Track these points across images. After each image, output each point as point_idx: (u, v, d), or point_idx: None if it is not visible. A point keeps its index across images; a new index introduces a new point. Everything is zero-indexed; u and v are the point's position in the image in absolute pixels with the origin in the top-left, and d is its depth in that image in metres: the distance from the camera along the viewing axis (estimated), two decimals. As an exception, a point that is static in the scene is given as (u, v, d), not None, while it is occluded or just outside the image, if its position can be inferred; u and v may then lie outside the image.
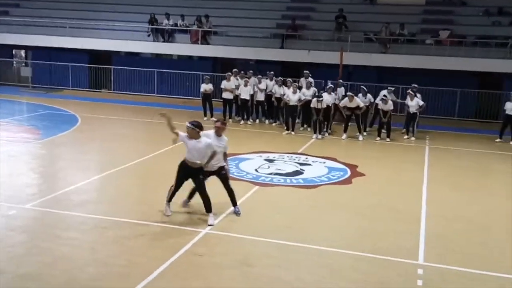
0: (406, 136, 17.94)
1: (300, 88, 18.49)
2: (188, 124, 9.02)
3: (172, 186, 9.38)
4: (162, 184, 11.38)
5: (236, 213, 9.64)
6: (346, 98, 17.47)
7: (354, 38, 23.36)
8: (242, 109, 19.68)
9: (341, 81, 19.59)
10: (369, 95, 18.26)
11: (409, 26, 23.69)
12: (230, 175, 10.50)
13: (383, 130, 17.62)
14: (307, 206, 10.48)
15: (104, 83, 27.06)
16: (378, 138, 17.63)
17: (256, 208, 10.20)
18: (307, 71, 19.77)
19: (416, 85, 18.62)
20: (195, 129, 9.02)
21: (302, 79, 19.66)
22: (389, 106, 17.38)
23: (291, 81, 18.82)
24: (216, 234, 8.81)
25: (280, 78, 19.36)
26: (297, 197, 11.10)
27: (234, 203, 9.69)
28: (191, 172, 9.04)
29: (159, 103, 24.41)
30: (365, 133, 18.09)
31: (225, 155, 9.54)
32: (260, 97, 19.39)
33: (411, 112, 17.76)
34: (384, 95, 17.64)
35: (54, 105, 22.05)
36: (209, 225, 9.05)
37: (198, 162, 9.02)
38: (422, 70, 22.38)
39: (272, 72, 19.93)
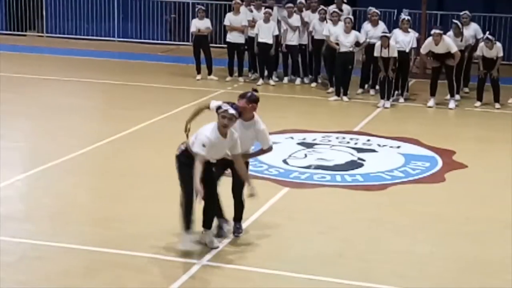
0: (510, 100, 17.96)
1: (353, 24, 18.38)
2: (232, 111, 8.81)
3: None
4: (129, 187, 11.47)
5: (235, 233, 9.71)
6: (430, 40, 17.40)
7: None
8: (261, 60, 19.67)
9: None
10: (472, 29, 18.13)
11: None
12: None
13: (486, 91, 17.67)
14: (369, 220, 10.47)
15: (31, 21, 27.17)
16: (478, 103, 17.65)
17: (285, 224, 10.22)
18: None
19: None
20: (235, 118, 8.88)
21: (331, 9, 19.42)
22: (496, 51, 17.29)
23: (338, 12, 18.70)
24: (219, 267, 8.86)
25: (322, 7, 19.28)
26: (353, 206, 11.09)
27: (237, 217, 9.77)
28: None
29: (122, 52, 24.50)
30: (457, 96, 18.01)
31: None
32: (291, 39, 19.39)
33: None
34: (487, 37, 17.49)
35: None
36: (212, 248, 9.21)
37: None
38: None
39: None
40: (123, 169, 12.43)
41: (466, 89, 18.71)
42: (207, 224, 9.33)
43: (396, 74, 17.46)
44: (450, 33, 17.93)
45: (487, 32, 17.95)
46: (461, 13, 18.50)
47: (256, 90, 9.48)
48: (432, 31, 17.46)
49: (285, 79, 19.80)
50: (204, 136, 8.77)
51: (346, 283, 8.51)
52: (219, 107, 8.87)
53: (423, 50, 17.65)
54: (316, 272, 8.73)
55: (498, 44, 17.38)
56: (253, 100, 9.29)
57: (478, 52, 17.52)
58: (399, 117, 16.82)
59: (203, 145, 8.70)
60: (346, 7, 19.60)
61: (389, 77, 17.27)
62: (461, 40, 17.85)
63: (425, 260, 9.24)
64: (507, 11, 22.69)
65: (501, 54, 17.35)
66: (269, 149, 9.59)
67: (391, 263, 9.09)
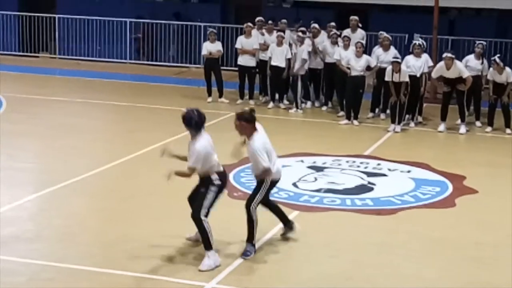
0: None
1: (364, 49, 18.44)
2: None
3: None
4: (139, 209, 11.50)
5: (243, 255, 9.78)
6: (441, 64, 17.41)
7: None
8: (274, 83, 19.68)
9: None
10: (485, 61, 18.16)
11: None
12: (246, 191, 10.52)
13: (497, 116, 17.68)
14: (379, 245, 10.48)
15: (43, 43, 27.35)
16: (489, 129, 17.68)
17: (294, 248, 10.24)
18: (356, 17, 19.69)
19: None
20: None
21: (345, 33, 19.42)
22: (506, 76, 17.30)
23: (349, 37, 18.78)
24: (229, 290, 8.89)
25: (334, 31, 19.32)
26: (363, 230, 11.12)
27: (247, 237, 9.90)
28: None
29: (135, 74, 24.60)
30: (478, 123, 18.03)
31: None
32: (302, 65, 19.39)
33: None
34: (494, 59, 17.48)
35: (-37, 79, 22.36)
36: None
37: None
38: None
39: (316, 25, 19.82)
40: (133, 190, 12.48)
41: (478, 123, 18.27)
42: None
43: (408, 99, 17.48)
44: (471, 56, 17.92)
45: (497, 55, 17.96)
46: (477, 44, 18.38)
47: (252, 110, 9.74)
48: (444, 55, 17.47)
49: (301, 106, 19.55)
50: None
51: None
52: None
53: (434, 74, 17.64)
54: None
55: (508, 70, 17.37)
56: (241, 118, 9.73)
57: (488, 77, 17.53)
58: (409, 141, 16.83)
59: None
60: (360, 31, 19.65)
61: (400, 102, 17.30)
62: (482, 63, 17.86)
63: (433, 285, 9.25)
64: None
65: (511, 79, 17.34)
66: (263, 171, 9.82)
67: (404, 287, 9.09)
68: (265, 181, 9.90)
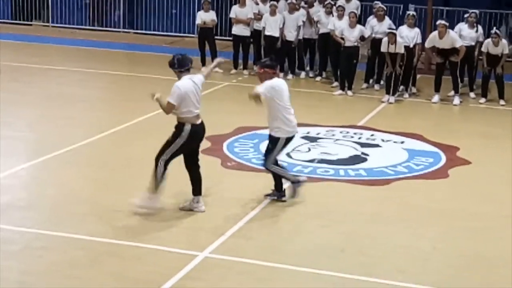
0: None
1: (358, 19, 18.36)
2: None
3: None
4: (133, 178, 11.50)
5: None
6: (435, 33, 17.38)
7: None
8: (268, 53, 19.60)
9: None
10: (480, 29, 18.14)
11: None
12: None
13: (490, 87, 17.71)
14: (372, 215, 10.52)
15: (36, 11, 27.21)
16: (483, 100, 17.69)
17: (288, 218, 10.28)
18: None
19: None
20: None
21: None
22: (501, 48, 17.25)
23: (343, 7, 18.70)
24: (221, 259, 8.89)
25: (329, 1, 19.24)
26: (356, 200, 11.14)
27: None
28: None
29: (128, 43, 24.53)
30: (472, 94, 18.04)
31: None
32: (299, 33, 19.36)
33: None
34: (496, 32, 17.46)
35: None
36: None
37: None
38: None
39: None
40: (127, 159, 12.49)
41: (472, 94, 18.23)
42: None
43: (402, 69, 17.45)
44: (464, 25, 17.90)
45: (495, 28, 17.89)
46: (469, 13, 18.21)
47: (272, 58, 10.23)
48: (438, 22, 17.41)
49: (291, 75, 19.62)
50: None
51: (348, 277, 8.55)
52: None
53: (427, 44, 17.58)
54: (318, 266, 8.77)
55: (504, 41, 17.33)
56: (265, 66, 10.33)
57: (483, 49, 17.47)
58: (403, 112, 16.84)
59: None
60: (354, 2, 19.56)
61: (395, 73, 17.27)
62: (477, 31, 17.83)
63: (427, 255, 9.27)
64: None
65: (506, 51, 17.30)
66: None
67: (393, 258, 9.13)
68: (280, 139, 10.34)
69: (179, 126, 9.85)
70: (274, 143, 10.36)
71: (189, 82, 9.82)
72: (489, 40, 17.36)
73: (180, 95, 9.68)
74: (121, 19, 26.39)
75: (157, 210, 9.96)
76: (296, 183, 10.62)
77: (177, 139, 9.81)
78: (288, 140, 10.48)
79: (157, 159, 9.87)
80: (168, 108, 9.77)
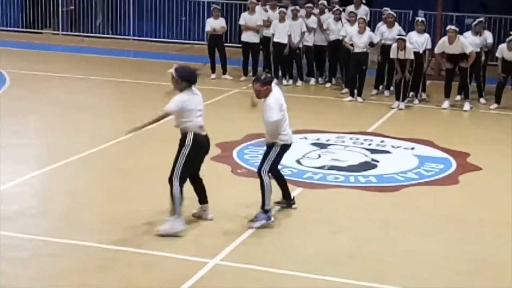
0: None
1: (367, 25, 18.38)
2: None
3: None
4: (141, 185, 11.50)
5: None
6: (444, 39, 17.35)
7: None
8: (277, 60, 19.68)
9: None
10: (487, 34, 18.05)
11: None
12: (253, 169, 10.52)
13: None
14: (382, 221, 10.50)
15: (47, 20, 27.27)
16: (494, 105, 17.63)
17: (297, 225, 10.27)
18: None
19: None
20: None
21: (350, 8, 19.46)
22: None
23: (355, 12, 18.77)
24: (232, 267, 8.89)
25: (337, 7, 19.28)
26: (366, 206, 11.12)
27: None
28: None
29: (138, 51, 24.56)
30: (483, 100, 17.97)
31: None
32: (307, 40, 19.39)
33: None
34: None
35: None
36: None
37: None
38: None
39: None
40: (135, 167, 12.49)
41: (483, 100, 18.17)
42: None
43: (412, 76, 17.44)
44: (468, 33, 17.86)
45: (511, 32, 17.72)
46: (476, 21, 18.12)
47: (268, 71, 9.97)
48: (448, 27, 17.36)
49: (300, 82, 19.66)
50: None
51: (357, 283, 8.53)
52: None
53: (437, 50, 17.55)
54: (327, 273, 8.76)
55: None
56: (266, 82, 9.97)
57: (497, 54, 17.36)
58: (413, 118, 16.79)
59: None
60: (364, 8, 19.58)
61: (405, 79, 17.25)
62: (479, 39, 17.67)
63: (437, 261, 9.25)
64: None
65: None
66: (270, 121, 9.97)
67: (403, 264, 9.11)
68: (275, 145, 10.07)
69: (183, 138, 9.72)
70: (269, 149, 10.20)
71: (186, 96, 9.69)
72: (503, 45, 17.27)
73: (177, 106, 9.60)
74: (131, 26, 26.43)
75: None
76: (264, 213, 10.20)
77: (183, 149, 9.65)
78: (285, 148, 10.26)
79: (170, 180, 9.66)
80: (162, 113, 9.73)
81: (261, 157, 10.32)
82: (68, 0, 26.80)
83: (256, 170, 10.42)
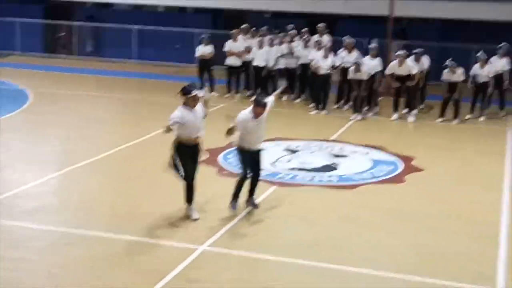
0: (468, 116, 17.88)
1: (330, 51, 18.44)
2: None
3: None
4: (145, 185, 11.45)
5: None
6: (394, 62, 17.44)
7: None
8: (256, 80, 19.71)
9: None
10: (424, 60, 18.10)
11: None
12: (234, 171, 10.53)
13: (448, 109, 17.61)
14: (342, 214, 10.50)
15: (64, 46, 27.20)
16: (440, 119, 17.65)
17: (272, 217, 10.24)
18: (323, 24, 19.75)
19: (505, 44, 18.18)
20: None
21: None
22: (459, 76, 17.23)
23: (320, 40, 18.84)
24: (218, 252, 8.86)
25: (306, 35, 19.36)
26: (329, 202, 11.11)
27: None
28: None
29: (140, 72, 24.52)
30: (415, 111, 17.94)
31: None
32: (281, 64, 19.38)
33: (480, 82, 17.63)
34: (452, 62, 17.36)
35: (-4, 76, 22.23)
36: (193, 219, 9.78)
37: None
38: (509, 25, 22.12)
39: (293, 28, 19.91)
40: (144, 169, 12.42)
41: (422, 105, 18.57)
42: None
43: (367, 93, 17.62)
44: (410, 58, 17.88)
45: (450, 59, 17.67)
46: (416, 50, 17.97)
47: (260, 95, 10.12)
48: (398, 53, 17.57)
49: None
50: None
51: (321, 265, 8.54)
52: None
53: (388, 71, 17.63)
54: (297, 257, 8.75)
55: (460, 70, 17.21)
56: (264, 105, 10.25)
57: (444, 77, 17.32)
58: (368, 128, 16.81)
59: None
60: (326, 36, 19.66)
61: (361, 95, 17.43)
62: (417, 64, 17.71)
63: (389, 246, 9.26)
64: (457, 40, 22.71)
65: (462, 78, 17.20)
66: None
67: (363, 251, 9.10)
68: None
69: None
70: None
71: (178, 112, 9.69)
72: (447, 70, 17.23)
73: (174, 121, 9.53)
74: (135, 52, 26.40)
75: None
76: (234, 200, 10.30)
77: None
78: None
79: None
80: (166, 128, 9.54)
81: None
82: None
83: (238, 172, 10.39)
